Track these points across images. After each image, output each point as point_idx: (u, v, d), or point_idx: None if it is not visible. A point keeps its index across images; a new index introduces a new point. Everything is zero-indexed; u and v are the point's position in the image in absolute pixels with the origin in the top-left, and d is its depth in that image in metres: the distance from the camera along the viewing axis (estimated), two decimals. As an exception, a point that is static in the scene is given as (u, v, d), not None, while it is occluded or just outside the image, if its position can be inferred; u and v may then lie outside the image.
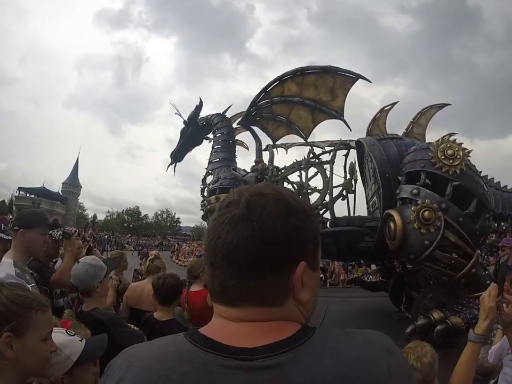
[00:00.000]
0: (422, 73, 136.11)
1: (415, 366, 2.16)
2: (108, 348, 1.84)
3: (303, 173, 8.12)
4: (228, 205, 0.81)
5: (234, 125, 9.86)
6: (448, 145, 6.08)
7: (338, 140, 7.98)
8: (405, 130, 7.82)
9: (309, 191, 8.09)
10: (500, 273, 1.79)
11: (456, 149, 6.03)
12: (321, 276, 18.16)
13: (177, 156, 10.41)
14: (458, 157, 5.95)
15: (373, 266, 19.07)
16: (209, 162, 9.59)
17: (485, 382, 3.06)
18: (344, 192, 7.67)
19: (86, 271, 2.89)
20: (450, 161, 5.93)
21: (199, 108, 10.25)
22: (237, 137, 10.17)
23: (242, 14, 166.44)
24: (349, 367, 0.70)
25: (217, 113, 10.19)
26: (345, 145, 7.81)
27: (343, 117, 7.47)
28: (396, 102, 8.29)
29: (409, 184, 6.25)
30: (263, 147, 8.96)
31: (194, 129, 10.10)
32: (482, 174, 7.33)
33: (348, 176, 7.84)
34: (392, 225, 6.13)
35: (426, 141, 7.56)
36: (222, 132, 9.68)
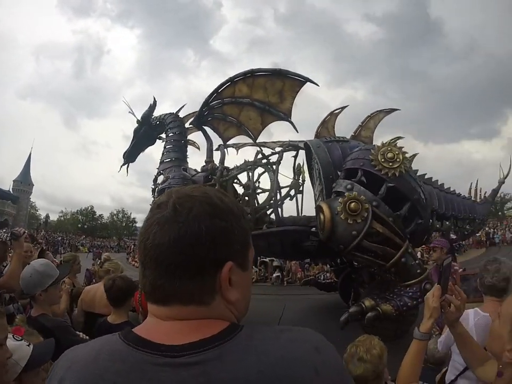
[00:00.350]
0: (381, 80, 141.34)
1: (365, 358, 2.27)
2: (56, 355, 1.83)
3: (262, 173, 8.19)
4: (158, 206, 0.84)
5: (187, 125, 9.82)
6: (389, 148, 6.33)
7: (287, 141, 8.14)
8: (352, 134, 8.07)
9: (258, 191, 8.23)
10: (444, 275, 1.85)
11: (397, 152, 6.27)
12: (279, 274, 18.37)
13: (130, 156, 10.25)
14: (398, 160, 6.19)
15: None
16: (161, 162, 9.54)
17: (437, 371, 3.27)
18: (291, 193, 7.82)
19: (30, 277, 2.87)
20: (390, 163, 6.17)
21: (152, 107, 10.17)
22: (189, 137, 10.13)
23: (209, 10, 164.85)
24: (274, 365, 0.73)
25: (170, 113, 10.17)
26: (293, 146, 7.94)
27: (291, 118, 7.67)
28: (346, 106, 8.53)
29: (347, 180, 6.52)
30: (215, 147, 8.99)
31: (148, 129, 10.02)
32: (428, 176, 7.78)
33: (296, 177, 8.00)
34: (322, 216, 6.35)
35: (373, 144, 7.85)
36: (174, 132, 9.69)
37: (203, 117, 8.52)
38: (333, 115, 8.23)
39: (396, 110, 8.55)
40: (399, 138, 8.09)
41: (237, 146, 8.98)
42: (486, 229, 31.53)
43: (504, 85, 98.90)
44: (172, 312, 0.81)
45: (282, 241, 7.14)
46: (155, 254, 0.79)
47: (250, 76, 7.65)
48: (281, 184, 7.94)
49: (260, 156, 8.21)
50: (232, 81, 7.80)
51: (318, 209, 6.61)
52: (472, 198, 9.74)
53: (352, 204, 6.07)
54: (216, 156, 8.83)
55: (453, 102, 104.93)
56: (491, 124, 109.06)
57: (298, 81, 7.47)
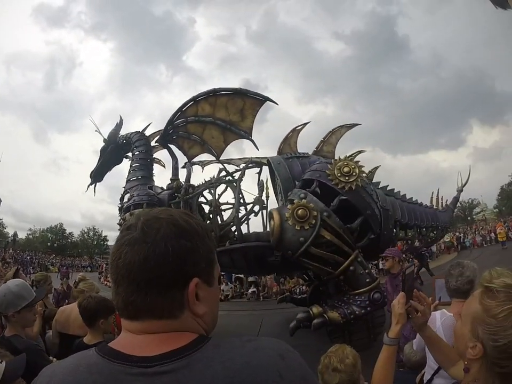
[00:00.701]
0: (350, 95, 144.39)
1: (339, 368, 2.31)
2: (28, 379, 1.86)
3: (224, 191, 8.20)
4: (127, 228, 0.91)
5: (153, 143, 9.85)
6: (345, 163, 6.56)
7: (249, 158, 8.29)
8: (315, 149, 8.23)
9: (223, 207, 8.30)
10: (407, 282, 1.91)
11: (353, 166, 6.50)
12: (254, 289, 18.32)
13: (97, 175, 10.22)
14: (354, 174, 6.41)
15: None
16: (127, 181, 9.57)
17: (416, 373, 3.32)
18: (256, 209, 7.91)
19: (4, 296, 2.85)
20: (346, 177, 6.40)
21: (119, 125, 10.27)
22: (155, 155, 10.13)
23: (183, 26, 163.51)
24: (238, 372, 0.78)
25: (136, 132, 10.19)
26: (256, 163, 8.11)
27: (251, 136, 7.84)
28: (307, 123, 8.71)
29: (302, 189, 6.70)
30: (182, 165, 9.07)
31: (115, 148, 10.06)
32: (399, 186, 8.09)
33: (260, 193, 7.95)
34: (272, 222, 6.53)
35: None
36: (140, 150, 9.72)
37: (168, 135, 8.60)
38: (295, 131, 8.37)
39: (357, 124, 8.79)
40: (360, 152, 8.36)
41: (203, 164, 9.07)
42: (457, 233, 32.59)
43: (468, 97, 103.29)
44: (144, 326, 0.87)
45: (245, 256, 7.24)
46: (127, 272, 0.86)
47: (212, 95, 7.80)
48: (247, 201, 8.04)
49: (223, 173, 8.30)
50: (195, 100, 7.92)
51: (270, 215, 6.82)
52: (434, 206, 10.13)
53: (300, 211, 6.26)
54: (183, 174, 8.91)
55: (420, 114, 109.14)
56: (457, 133, 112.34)
57: (258, 100, 7.66)
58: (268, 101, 7.73)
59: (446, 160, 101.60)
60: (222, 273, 14.52)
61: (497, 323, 1.25)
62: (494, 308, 1.27)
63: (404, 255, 23.86)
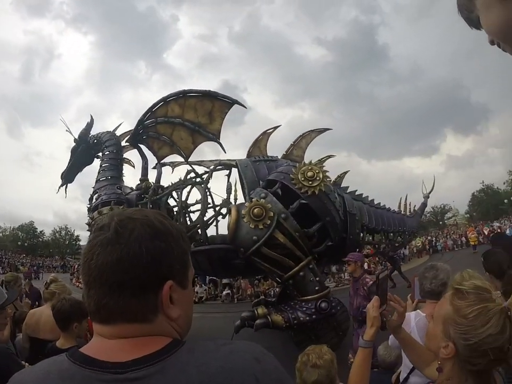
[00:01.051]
0: (328, 101, 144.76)
1: (318, 364, 2.36)
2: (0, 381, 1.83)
3: (189, 192, 8.17)
4: (100, 228, 0.88)
5: (123, 143, 9.78)
6: (310, 167, 6.60)
7: (219, 160, 8.26)
8: (284, 153, 8.28)
9: (193, 209, 8.25)
10: (380, 286, 1.94)
11: (317, 171, 6.53)
12: (228, 292, 18.26)
13: (68, 176, 10.07)
14: (317, 178, 6.46)
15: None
16: (97, 181, 9.46)
17: (392, 373, 3.46)
18: (223, 211, 7.85)
19: None
20: (310, 182, 6.45)
21: (90, 125, 10.12)
22: (126, 155, 10.09)
23: (166, 23, 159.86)
24: (213, 376, 0.77)
25: (107, 131, 10.13)
26: (226, 165, 8.06)
27: (219, 139, 7.80)
28: (278, 126, 8.70)
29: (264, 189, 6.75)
30: (153, 166, 9.03)
31: (85, 148, 9.93)
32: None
33: (228, 195, 7.87)
34: (229, 218, 6.60)
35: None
36: (110, 150, 9.65)
37: (138, 135, 8.52)
38: (266, 134, 8.38)
39: (328, 129, 8.86)
40: (330, 156, 8.50)
41: (173, 165, 9.01)
42: (429, 237, 33.29)
43: (443, 106, 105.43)
44: (116, 331, 0.85)
45: (209, 259, 7.23)
46: (99, 273, 0.83)
47: (182, 96, 7.76)
48: (218, 203, 8.01)
49: (192, 174, 8.29)
50: (165, 101, 7.88)
51: (228, 211, 6.90)
52: (402, 212, 10.34)
53: (256, 210, 6.32)
54: (155, 174, 8.90)
55: (396, 122, 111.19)
56: (431, 141, 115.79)
57: (227, 103, 7.64)
58: (240, 105, 7.74)
59: (420, 167, 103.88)
60: (196, 275, 14.54)
61: (468, 323, 1.31)
62: (464, 308, 1.33)
63: (377, 258, 24.42)
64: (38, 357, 3.11)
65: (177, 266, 0.90)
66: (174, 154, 8.55)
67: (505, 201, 47.12)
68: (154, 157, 8.72)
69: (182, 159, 8.74)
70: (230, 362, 0.81)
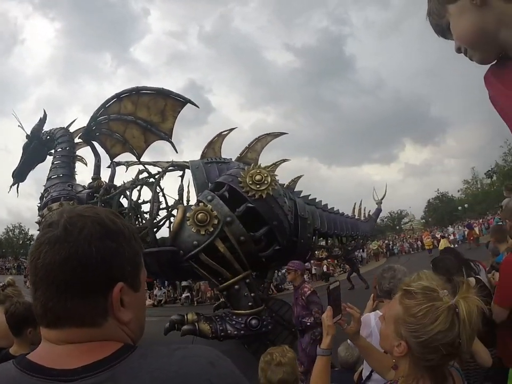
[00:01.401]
0: (293, 106, 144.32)
1: (283, 362, 2.37)
2: None
3: (140, 192, 8.02)
4: (49, 225, 0.82)
5: (77, 140, 9.27)
6: (259, 171, 6.45)
7: (171, 161, 7.90)
8: (238, 155, 8.05)
9: (142, 210, 8.11)
10: (333, 296, 1.98)
11: (265, 175, 6.39)
12: (188, 294, 17.90)
13: (20, 175, 9.56)
14: (265, 182, 6.32)
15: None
16: (48, 179, 8.95)
17: (352, 372, 3.47)
18: (175, 212, 7.40)
19: None
20: (257, 186, 6.29)
21: (43, 120, 9.62)
22: (79, 152, 9.69)
23: (136, 16, 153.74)
24: (167, 381, 0.73)
25: (60, 127, 9.63)
26: (179, 166, 7.79)
27: (171, 138, 7.57)
28: (234, 128, 8.47)
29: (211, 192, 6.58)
30: (108, 164, 8.71)
31: (38, 144, 9.44)
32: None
33: (182, 196, 7.55)
34: (174, 218, 6.47)
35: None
36: (62, 147, 9.17)
37: (91, 132, 8.14)
38: (220, 136, 8.12)
39: (284, 133, 8.66)
40: (284, 160, 8.41)
41: (128, 164, 8.68)
42: (386, 241, 34.16)
43: (404, 118, 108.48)
44: (64, 335, 0.79)
45: (158, 261, 6.94)
46: (46, 273, 0.77)
47: (135, 93, 7.49)
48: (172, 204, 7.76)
49: (144, 174, 8.01)
50: (118, 97, 7.57)
51: (176, 211, 6.75)
52: (356, 217, 10.42)
53: (200, 215, 6.14)
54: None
55: (358, 130, 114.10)
56: (390, 150, 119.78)
57: (179, 102, 7.42)
58: (193, 105, 7.47)
59: (378, 174, 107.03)
60: (155, 278, 14.15)
61: (417, 321, 1.37)
62: (413, 307, 1.39)
63: (336, 261, 24.69)
64: None
65: (128, 267, 0.85)
66: (128, 153, 8.22)
67: (459, 208, 49.11)
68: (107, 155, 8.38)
69: (133, 158, 8.49)
70: (184, 367, 0.77)
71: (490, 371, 2.59)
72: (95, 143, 8.53)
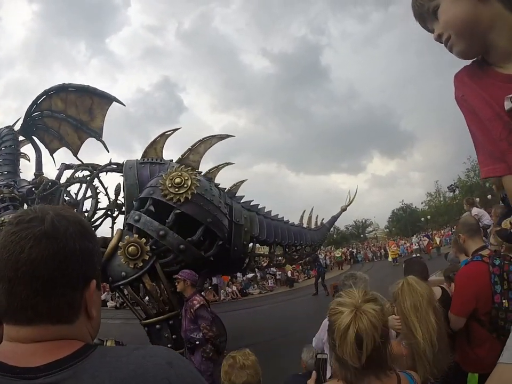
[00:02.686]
0: (265, 112, 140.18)
1: (246, 364, 2.27)
2: None
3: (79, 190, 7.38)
4: (29, 220, 0.77)
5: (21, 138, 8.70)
6: (179, 174, 5.91)
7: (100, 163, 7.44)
8: (180, 157, 7.49)
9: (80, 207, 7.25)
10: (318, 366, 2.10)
11: (186, 178, 5.85)
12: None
13: None
14: (185, 185, 5.79)
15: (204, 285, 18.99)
16: None
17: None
18: (110, 212, 7.14)
19: None
20: (176, 189, 5.76)
21: None
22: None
23: (116, 6, 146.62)
24: (125, 380, 0.71)
25: (6, 126, 8.91)
26: (118, 165, 7.23)
27: (102, 137, 7.14)
28: (178, 128, 7.88)
29: (141, 209, 6.01)
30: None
31: None
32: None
33: (118, 196, 7.14)
34: (111, 240, 5.92)
35: (200, 169, 7.44)
36: (7, 145, 8.56)
37: (28, 127, 7.76)
38: (163, 136, 7.53)
39: (230, 136, 8.12)
40: (228, 164, 7.97)
41: (76, 167, 8.09)
42: (350, 249, 33.90)
43: (372, 130, 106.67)
44: (35, 333, 0.75)
45: None
46: (31, 268, 0.73)
47: (63, 90, 7.08)
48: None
49: (83, 172, 7.41)
50: (47, 94, 7.16)
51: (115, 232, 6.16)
52: (304, 225, 9.90)
53: (131, 248, 5.61)
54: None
55: (327, 139, 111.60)
56: (358, 161, 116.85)
57: (106, 100, 7.04)
58: (119, 103, 7.11)
59: (346, 183, 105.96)
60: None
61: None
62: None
63: (300, 267, 24.29)
64: None
65: (98, 267, 0.87)
66: (62, 148, 7.88)
67: (422, 219, 49.49)
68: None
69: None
70: (142, 367, 0.74)
71: (449, 376, 2.43)
72: (35, 139, 8.13)
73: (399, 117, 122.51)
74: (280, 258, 9.19)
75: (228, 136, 8.14)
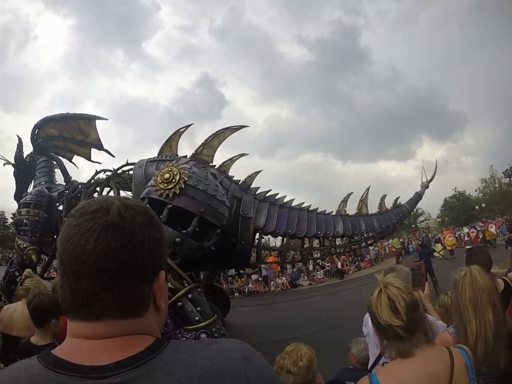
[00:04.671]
0: (307, 101, 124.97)
1: (292, 370, 2.08)
2: None
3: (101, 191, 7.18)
4: (94, 211, 0.70)
5: None
6: (169, 169, 5.44)
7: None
8: (194, 152, 6.73)
9: None
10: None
11: (175, 172, 5.36)
12: (203, 289, 17.10)
13: (19, 197, 9.14)
14: (174, 180, 5.31)
15: (254, 276, 18.42)
16: (33, 187, 8.97)
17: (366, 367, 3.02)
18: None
19: None
20: (166, 184, 5.30)
21: (20, 145, 9.52)
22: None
23: (147, 11, 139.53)
24: (203, 376, 0.65)
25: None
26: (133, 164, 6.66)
27: (103, 147, 7.14)
28: (191, 124, 7.17)
29: None
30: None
31: (24, 168, 9.31)
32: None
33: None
34: None
35: (214, 162, 6.80)
36: (41, 160, 9.20)
37: (39, 150, 8.24)
38: (177, 133, 6.89)
39: (244, 126, 7.26)
40: (243, 155, 7.24)
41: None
42: (401, 240, 31.41)
43: (421, 113, 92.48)
44: (104, 328, 0.67)
45: None
46: (97, 260, 0.66)
47: (47, 123, 7.36)
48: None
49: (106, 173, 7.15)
50: (38, 128, 7.47)
51: None
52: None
53: None
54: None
55: (374, 125, 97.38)
56: (407, 146, 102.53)
57: (88, 118, 7.05)
58: (101, 119, 7.26)
59: (395, 170, 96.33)
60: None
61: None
62: None
63: (350, 258, 22.79)
64: (11, 355, 2.75)
65: (166, 257, 0.80)
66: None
67: (476, 207, 45.05)
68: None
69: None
70: (219, 362, 0.67)
71: (505, 376, 2.15)
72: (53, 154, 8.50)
73: (446, 97, 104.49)
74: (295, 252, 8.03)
75: (242, 127, 7.24)
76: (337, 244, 7.82)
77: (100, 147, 7.13)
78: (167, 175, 5.33)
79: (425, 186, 8.23)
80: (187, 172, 5.43)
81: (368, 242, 8.84)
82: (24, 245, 7.63)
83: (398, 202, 8.05)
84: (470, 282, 2.03)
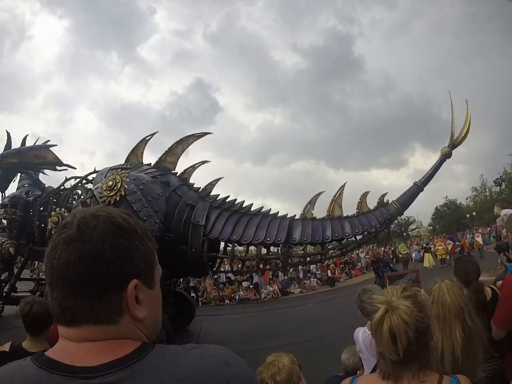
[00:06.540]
0: (301, 108, 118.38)
1: None
2: None
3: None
4: (64, 226, 0.70)
5: None
6: (113, 177, 5.43)
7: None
8: (157, 160, 6.74)
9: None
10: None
11: (117, 180, 5.32)
12: (193, 295, 16.67)
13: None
14: (115, 188, 5.29)
15: (245, 284, 18.05)
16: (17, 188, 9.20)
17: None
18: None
19: None
20: (109, 192, 5.29)
21: (9, 141, 9.24)
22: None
23: (143, 14, 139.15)
24: (185, 380, 0.64)
25: None
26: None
27: (62, 164, 7.77)
28: (155, 133, 7.22)
29: None
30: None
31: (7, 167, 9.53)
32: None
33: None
34: None
35: (177, 169, 6.73)
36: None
37: (9, 171, 8.61)
38: (143, 142, 6.93)
39: (207, 133, 7.16)
40: (204, 162, 7.13)
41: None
42: (392, 248, 30.52)
43: (413, 122, 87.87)
44: (82, 333, 0.67)
45: None
46: (61, 273, 0.66)
47: (6, 156, 7.92)
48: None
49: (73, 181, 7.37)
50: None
51: None
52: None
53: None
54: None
55: (366, 133, 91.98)
56: (399, 155, 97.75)
57: (39, 147, 7.68)
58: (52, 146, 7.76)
59: (387, 179, 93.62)
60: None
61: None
62: None
63: (341, 265, 22.26)
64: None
65: (142, 264, 0.71)
66: None
67: (467, 215, 44.27)
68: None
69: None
70: (201, 366, 0.66)
71: (494, 382, 2.21)
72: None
73: (439, 105, 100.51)
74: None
75: (204, 134, 7.16)
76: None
77: (59, 164, 7.45)
78: (110, 183, 5.32)
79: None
80: (128, 180, 5.39)
81: (343, 251, 7.53)
82: (2, 240, 7.70)
83: (385, 201, 6.69)
84: (438, 298, 1.97)
